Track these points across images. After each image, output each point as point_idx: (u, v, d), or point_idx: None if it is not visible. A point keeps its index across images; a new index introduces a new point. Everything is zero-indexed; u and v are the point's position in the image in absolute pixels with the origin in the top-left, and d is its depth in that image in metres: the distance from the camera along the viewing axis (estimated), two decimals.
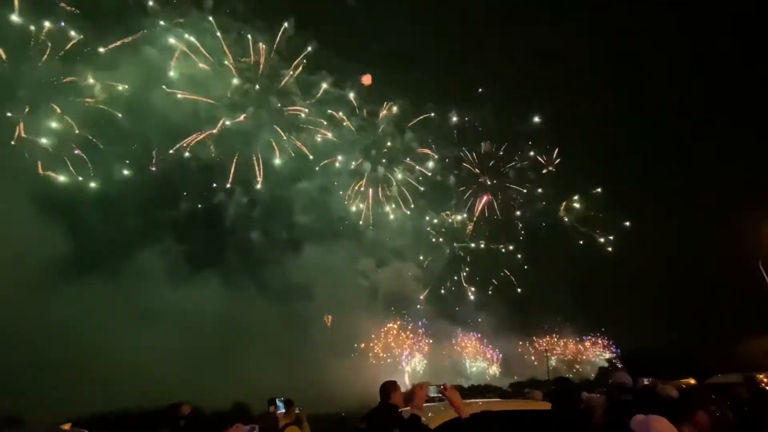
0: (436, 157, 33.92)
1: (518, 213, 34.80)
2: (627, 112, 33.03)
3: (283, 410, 5.01)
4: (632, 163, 33.74)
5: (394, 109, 32.32)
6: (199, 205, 30.11)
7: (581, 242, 34.67)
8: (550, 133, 34.11)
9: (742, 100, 30.96)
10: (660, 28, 32.10)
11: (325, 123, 31.11)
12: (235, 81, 28.80)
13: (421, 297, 33.05)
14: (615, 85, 33.05)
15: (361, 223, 32.72)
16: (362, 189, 32.51)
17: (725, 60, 31.98)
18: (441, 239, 34.74)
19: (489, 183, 34.14)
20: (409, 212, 33.31)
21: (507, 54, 31.43)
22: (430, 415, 4.51)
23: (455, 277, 34.85)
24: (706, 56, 31.70)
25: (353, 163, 32.40)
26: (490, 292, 34.47)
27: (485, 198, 33.93)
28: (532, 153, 34.42)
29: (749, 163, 29.96)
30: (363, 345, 31.01)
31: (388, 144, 32.93)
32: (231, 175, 29.55)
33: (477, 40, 31.97)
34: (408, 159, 33.34)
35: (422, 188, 33.53)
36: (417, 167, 33.24)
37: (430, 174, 33.61)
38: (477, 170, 33.95)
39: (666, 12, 31.22)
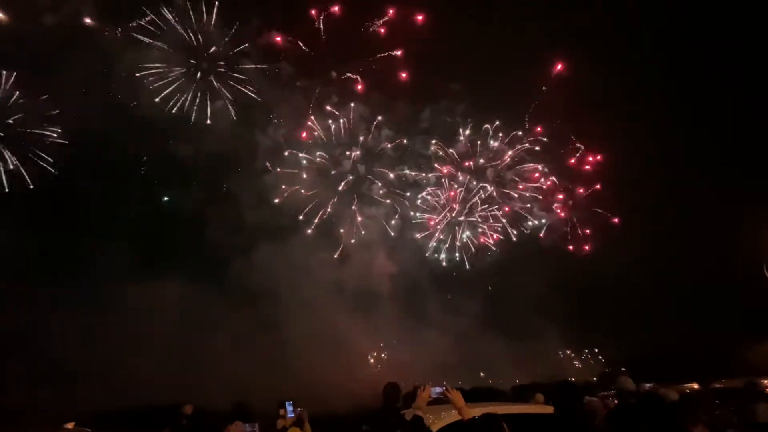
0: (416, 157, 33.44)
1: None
2: (629, 104, 32.63)
3: (292, 414, 5.00)
4: (634, 162, 33.43)
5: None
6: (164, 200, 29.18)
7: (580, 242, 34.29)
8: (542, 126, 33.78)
9: (754, 99, 30.56)
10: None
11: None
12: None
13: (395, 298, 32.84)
14: (615, 80, 32.66)
15: (342, 232, 32.53)
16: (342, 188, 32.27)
17: (735, 55, 31.52)
18: (421, 240, 34.51)
19: (470, 182, 33.81)
20: (387, 210, 33.10)
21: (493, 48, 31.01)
22: (431, 417, 4.51)
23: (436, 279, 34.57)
24: (715, 49, 31.22)
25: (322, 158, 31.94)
26: (490, 291, 34.21)
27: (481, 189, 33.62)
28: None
29: (758, 164, 29.68)
30: (356, 346, 30.74)
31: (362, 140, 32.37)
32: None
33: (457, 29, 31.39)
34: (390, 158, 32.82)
35: (399, 189, 33.20)
36: (397, 168, 32.94)
37: (408, 172, 33.26)
38: (455, 169, 33.63)
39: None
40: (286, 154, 31.36)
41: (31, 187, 25.82)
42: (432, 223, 33.74)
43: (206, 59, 29.39)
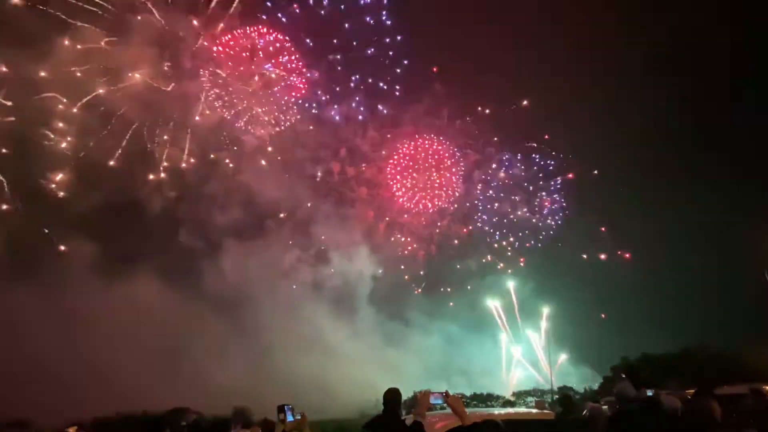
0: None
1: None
2: (634, 108, 32.65)
3: (292, 418, 4.96)
4: (641, 167, 33.39)
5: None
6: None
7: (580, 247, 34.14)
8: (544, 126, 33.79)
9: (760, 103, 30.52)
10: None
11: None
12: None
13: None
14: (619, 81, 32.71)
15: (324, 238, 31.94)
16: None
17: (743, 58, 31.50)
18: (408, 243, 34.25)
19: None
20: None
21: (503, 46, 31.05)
22: (432, 422, 4.51)
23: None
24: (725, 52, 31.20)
25: None
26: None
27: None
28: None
29: (762, 170, 29.68)
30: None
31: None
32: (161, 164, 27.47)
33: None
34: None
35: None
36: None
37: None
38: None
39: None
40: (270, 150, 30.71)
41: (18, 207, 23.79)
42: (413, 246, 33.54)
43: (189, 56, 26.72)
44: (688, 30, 28.72)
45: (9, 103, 23.39)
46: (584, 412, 6.51)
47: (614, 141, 32.13)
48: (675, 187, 33.21)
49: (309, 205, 31.64)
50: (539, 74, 32.61)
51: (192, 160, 28.41)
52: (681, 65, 31.20)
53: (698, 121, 32.80)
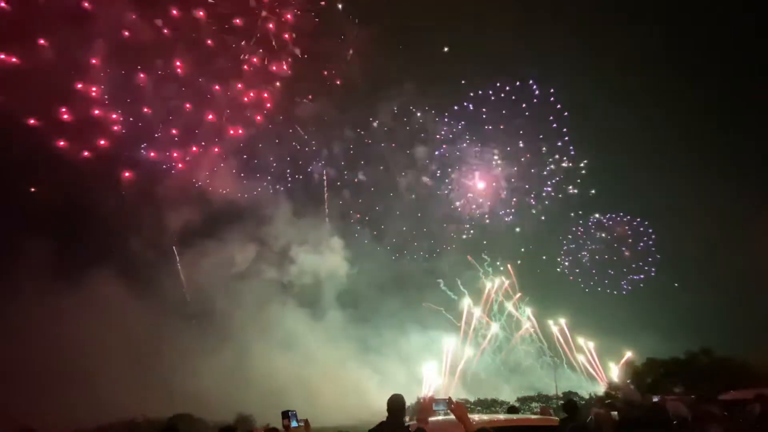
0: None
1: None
2: (651, 109, 32.76)
3: (296, 424, 4.94)
4: (651, 169, 33.38)
5: None
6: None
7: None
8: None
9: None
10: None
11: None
12: None
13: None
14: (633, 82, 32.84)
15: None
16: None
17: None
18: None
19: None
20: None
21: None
22: (435, 429, 4.47)
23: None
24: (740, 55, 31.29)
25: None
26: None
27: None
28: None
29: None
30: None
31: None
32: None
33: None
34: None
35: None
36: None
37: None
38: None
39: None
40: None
41: None
42: None
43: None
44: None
45: None
46: (589, 418, 6.46)
47: (623, 141, 32.19)
48: (682, 191, 33.21)
49: (290, 206, 31.92)
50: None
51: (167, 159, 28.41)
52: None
53: (703, 126, 32.86)
